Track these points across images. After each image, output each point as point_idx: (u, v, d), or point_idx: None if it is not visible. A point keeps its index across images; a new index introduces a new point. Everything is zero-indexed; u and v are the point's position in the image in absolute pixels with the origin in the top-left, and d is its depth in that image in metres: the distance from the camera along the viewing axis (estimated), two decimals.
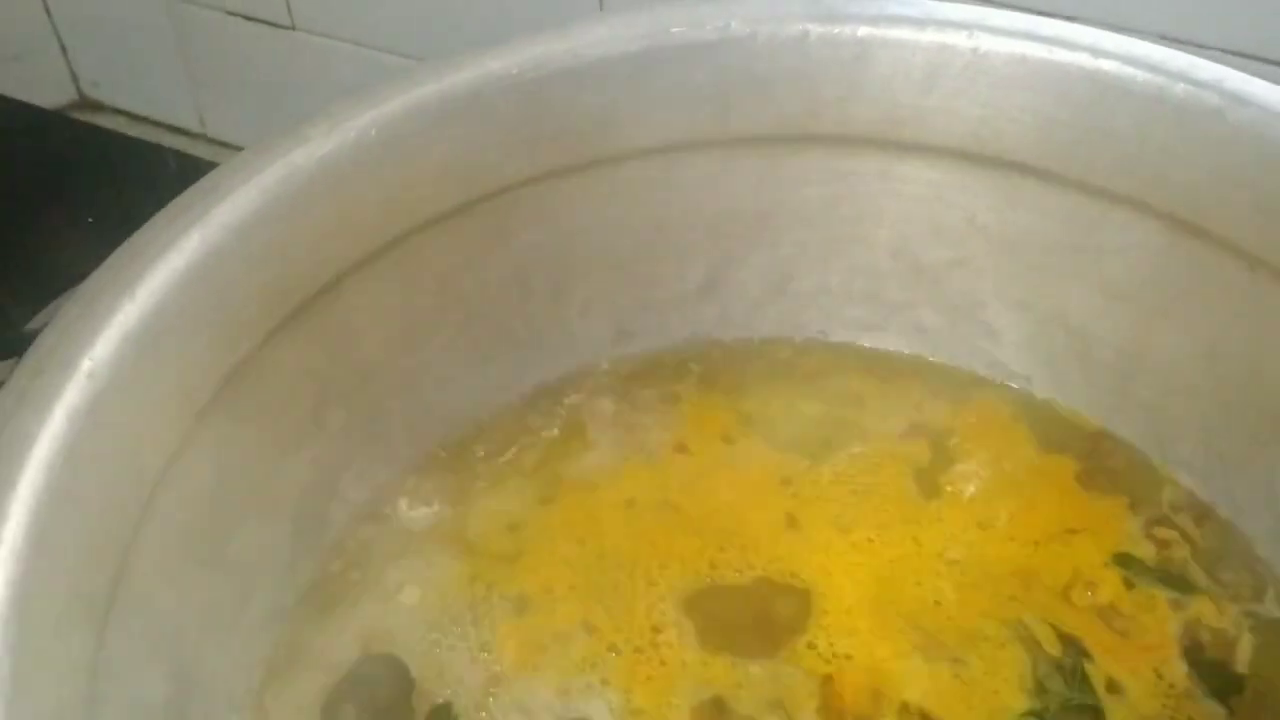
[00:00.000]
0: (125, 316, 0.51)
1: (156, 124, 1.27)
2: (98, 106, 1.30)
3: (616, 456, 0.70)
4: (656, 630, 0.62)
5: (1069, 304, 0.68)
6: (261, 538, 0.61)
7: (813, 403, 0.73)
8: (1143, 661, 0.60)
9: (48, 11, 1.23)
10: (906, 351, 0.74)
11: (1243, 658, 0.60)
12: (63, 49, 1.26)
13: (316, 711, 0.60)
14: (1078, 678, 0.60)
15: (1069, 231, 0.65)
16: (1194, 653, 0.61)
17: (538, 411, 0.72)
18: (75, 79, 1.29)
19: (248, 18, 1.12)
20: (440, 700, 0.60)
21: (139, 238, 0.54)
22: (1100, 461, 0.68)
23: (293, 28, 1.09)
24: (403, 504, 0.68)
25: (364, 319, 0.64)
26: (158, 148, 1.23)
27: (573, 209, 0.68)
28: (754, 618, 0.63)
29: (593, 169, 0.67)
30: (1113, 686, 0.59)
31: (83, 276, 0.53)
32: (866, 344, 0.75)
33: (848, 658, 0.61)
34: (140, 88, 1.25)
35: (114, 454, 0.50)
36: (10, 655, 0.42)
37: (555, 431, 0.71)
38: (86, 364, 0.49)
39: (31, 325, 0.96)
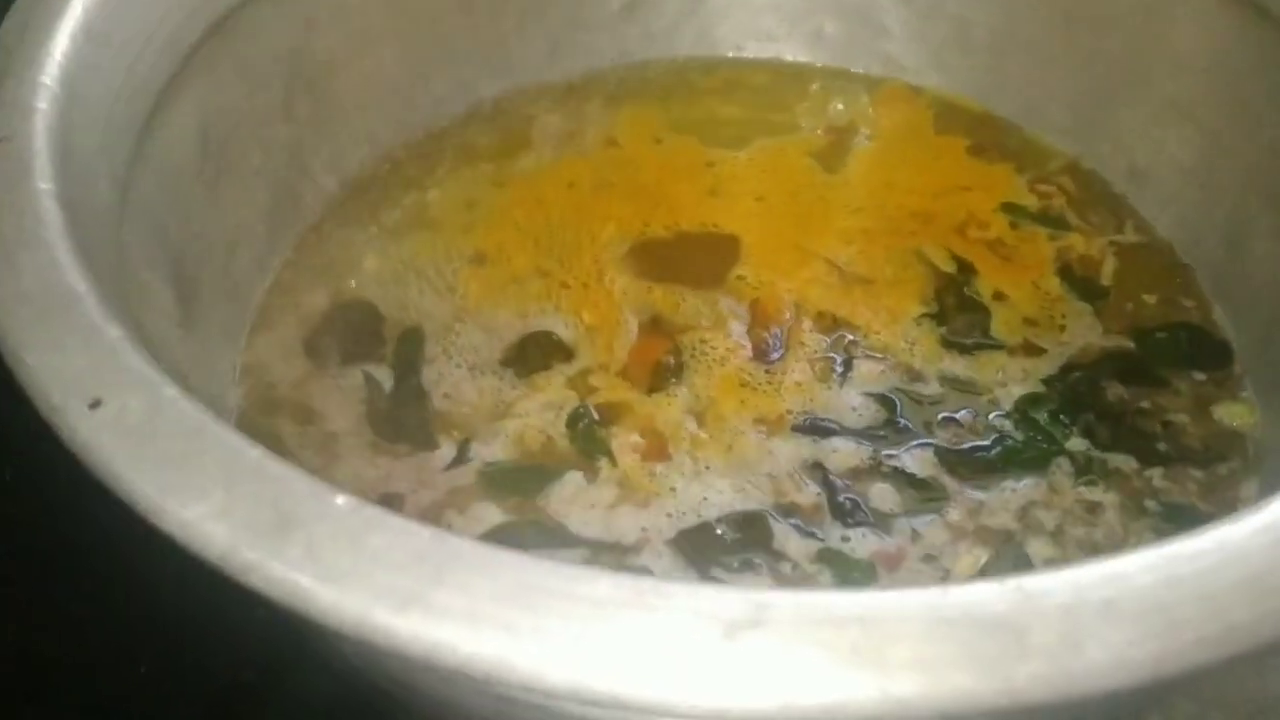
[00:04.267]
0: None
1: None
2: None
3: (556, 153, 0.76)
4: (601, 271, 0.68)
5: None
6: (246, 196, 0.66)
7: (732, 108, 0.79)
8: (1023, 277, 0.68)
9: None
10: (812, 60, 0.81)
11: (1107, 273, 0.68)
12: None
13: (300, 348, 0.66)
14: (968, 288, 0.67)
15: None
16: (1066, 271, 0.68)
17: (486, 118, 0.78)
18: None
19: None
20: (410, 325, 0.66)
21: None
22: (987, 137, 0.75)
23: None
24: (368, 189, 0.73)
25: (324, 11, 0.69)
26: None
27: None
28: (687, 259, 0.69)
29: None
30: (998, 295, 0.67)
31: None
32: (775, 55, 0.81)
33: (772, 284, 0.67)
34: None
35: (121, 53, 0.54)
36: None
37: (504, 134, 0.77)
38: None
39: None
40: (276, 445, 0.61)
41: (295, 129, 0.69)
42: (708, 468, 0.59)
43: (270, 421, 0.62)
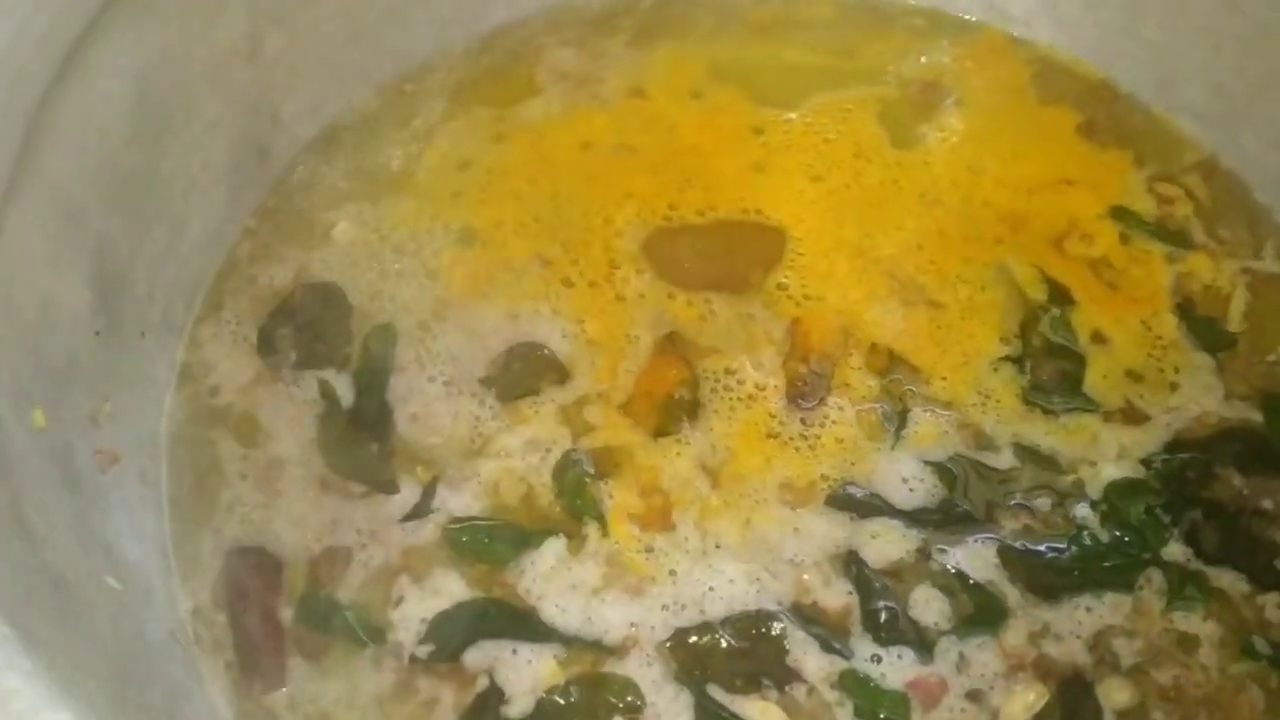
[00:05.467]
0: None
1: None
2: None
3: (569, 101, 0.62)
4: (614, 266, 0.56)
5: None
6: (199, 157, 0.54)
7: (794, 50, 0.64)
8: (1131, 313, 0.54)
9: None
10: None
11: (1236, 314, 0.55)
12: None
13: (253, 341, 0.55)
14: (1061, 324, 0.54)
15: None
16: (1185, 308, 0.55)
17: (495, 52, 0.64)
18: None
19: None
20: (381, 320, 0.55)
21: None
22: (1103, 113, 0.61)
23: None
24: (348, 139, 0.61)
25: None
26: None
27: None
28: (719, 258, 0.56)
29: None
30: (1097, 336, 0.54)
31: None
32: None
33: (819, 299, 0.55)
34: None
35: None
36: None
37: (512, 74, 0.63)
38: None
39: None
40: (213, 468, 0.51)
41: (263, 69, 0.57)
42: (718, 546, 0.48)
43: (209, 436, 0.52)
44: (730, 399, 0.52)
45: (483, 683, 0.46)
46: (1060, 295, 0.55)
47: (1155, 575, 0.47)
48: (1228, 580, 0.47)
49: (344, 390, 0.53)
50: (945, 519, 0.49)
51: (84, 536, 0.43)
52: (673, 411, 0.52)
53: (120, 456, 0.48)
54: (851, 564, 0.48)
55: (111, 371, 0.49)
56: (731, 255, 0.57)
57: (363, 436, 0.52)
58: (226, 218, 0.57)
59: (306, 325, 0.55)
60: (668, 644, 0.46)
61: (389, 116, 0.62)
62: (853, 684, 0.45)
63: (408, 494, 0.50)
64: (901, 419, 0.51)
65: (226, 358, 0.54)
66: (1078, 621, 0.47)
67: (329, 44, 0.59)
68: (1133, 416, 0.51)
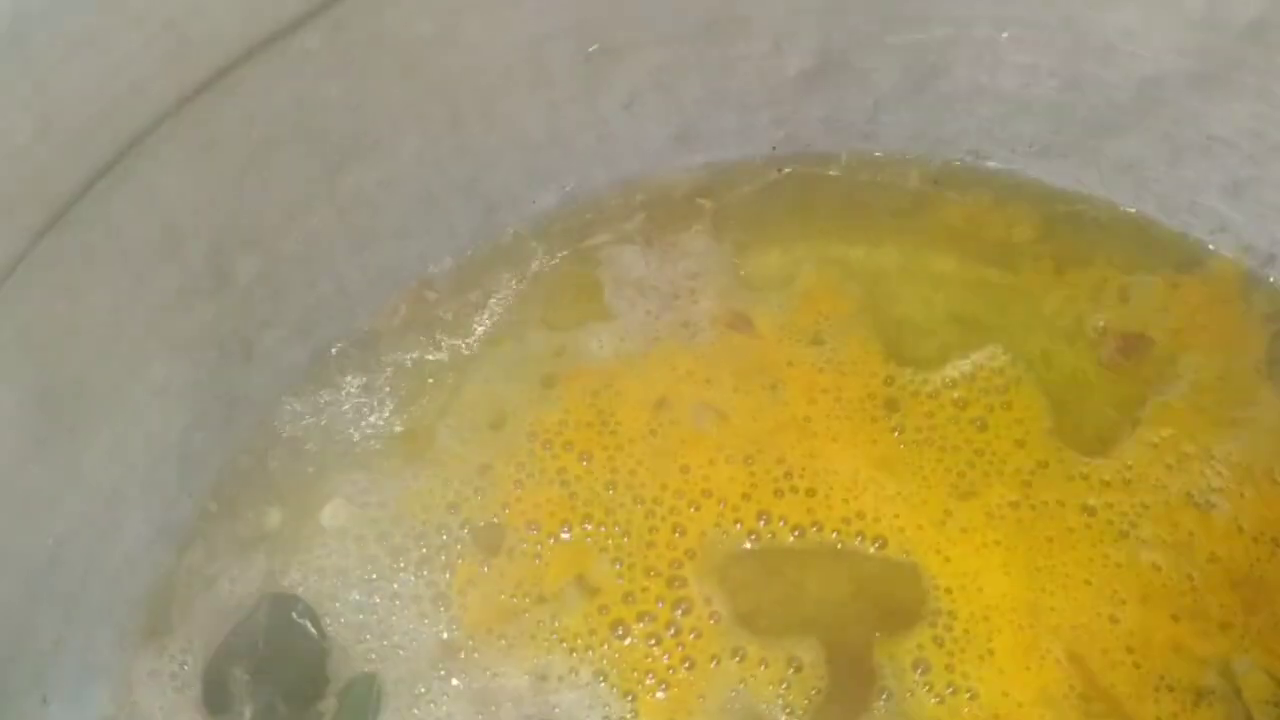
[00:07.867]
0: None
1: None
2: None
3: (643, 333, 0.45)
4: (681, 607, 0.40)
5: None
6: (134, 437, 0.39)
7: (948, 260, 0.46)
8: None
9: None
10: (1094, 194, 0.47)
11: None
12: None
13: (198, 677, 0.40)
14: None
15: None
16: None
17: (549, 252, 0.47)
18: None
19: None
20: (364, 670, 0.39)
21: None
22: None
23: None
24: (343, 382, 0.45)
25: (283, 100, 0.38)
26: None
27: None
28: (821, 607, 0.40)
29: None
30: None
31: None
32: (1036, 176, 0.47)
33: (970, 695, 0.38)
34: None
35: None
36: None
37: (569, 285, 0.46)
38: None
39: None
40: None
41: (232, 302, 0.41)
42: None
43: None
44: None
45: None
46: None
47: None
48: None
49: None
50: None
51: None
52: None
53: None
54: None
55: None
56: (843, 605, 0.40)
57: None
58: (177, 499, 0.42)
59: (268, 664, 0.40)
60: None
61: (406, 336, 0.45)
62: None
63: None
64: None
65: (162, 712, 0.39)
66: None
67: (322, 259, 0.43)
68: None
